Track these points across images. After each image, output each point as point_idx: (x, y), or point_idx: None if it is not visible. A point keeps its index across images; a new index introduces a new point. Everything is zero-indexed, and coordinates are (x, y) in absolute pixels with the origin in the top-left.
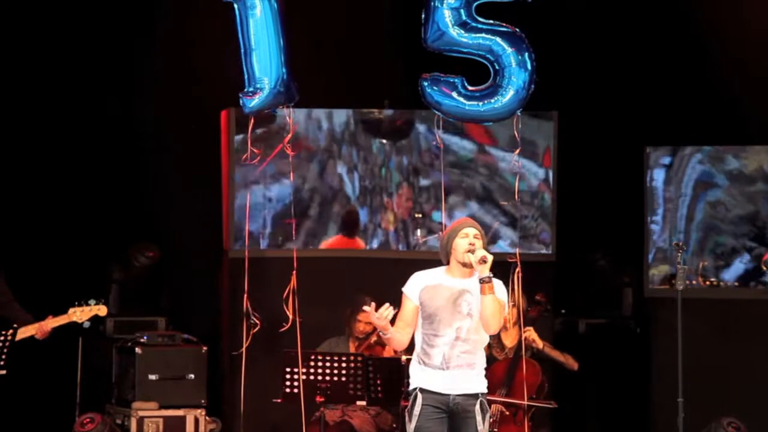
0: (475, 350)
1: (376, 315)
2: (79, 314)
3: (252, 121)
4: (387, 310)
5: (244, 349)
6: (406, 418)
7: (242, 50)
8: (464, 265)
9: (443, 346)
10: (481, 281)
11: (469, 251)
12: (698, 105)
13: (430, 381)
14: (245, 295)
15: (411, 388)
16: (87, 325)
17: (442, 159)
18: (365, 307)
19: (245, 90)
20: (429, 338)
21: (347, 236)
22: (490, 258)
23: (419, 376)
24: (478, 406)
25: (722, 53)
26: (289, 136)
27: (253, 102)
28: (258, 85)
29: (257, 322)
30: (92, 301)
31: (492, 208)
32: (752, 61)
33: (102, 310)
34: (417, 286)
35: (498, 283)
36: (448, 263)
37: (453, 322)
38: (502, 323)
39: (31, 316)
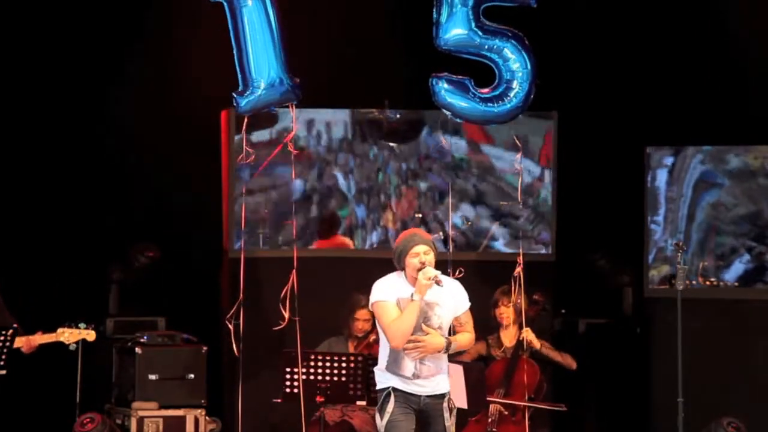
0: (442, 357)
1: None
2: (68, 335)
3: (246, 120)
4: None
5: (237, 349)
6: (377, 416)
7: (234, 49)
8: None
9: (415, 360)
10: (447, 350)
11: (419, 269)
12: (699, 105)
13: (402, 384)
14: (240, 297)
15: (382, 387)
16: (73, 347)
17: (447, 160)
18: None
19: (239, 89)
20: (400, 350)
21: (325, 238)
22: (437, 274)
23: (391, 380)
24: (445, 404)
25: (723, 53)
26: (292, 134)
27: (246, 101)
28: (253, 84)
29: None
30: (82, 325)
31: (485, 209)
32: (753, 60)
33: (90, 335)
34: (391, 293)
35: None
36: (403, 269)
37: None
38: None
39: (18, 326)
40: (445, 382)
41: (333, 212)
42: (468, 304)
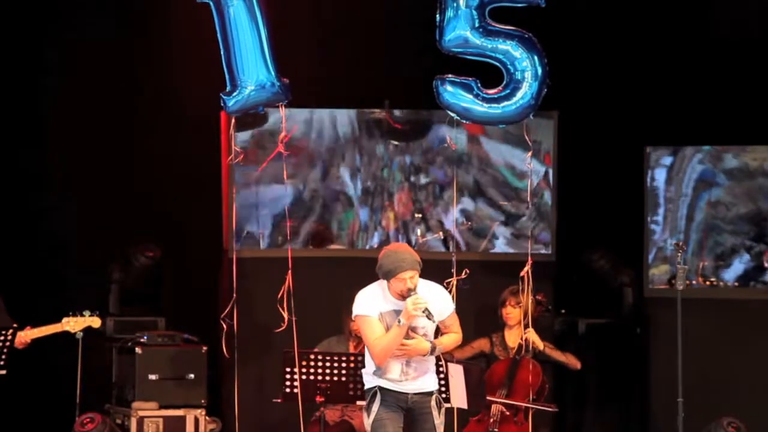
0: (428, 358)
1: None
2: (73, 324)
3: (233, 121)
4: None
5: (228, 349)
6: (364, 415)
7: (222, 49)
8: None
9: (401, 363)
10: (431, 353)
11: (406, 296)
12: (698, 105)
13: (389, 384)
14: (234, 296)
15: (369, 386)
16: (80, 335)
17: (455, 166)
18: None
19: (227, 90)
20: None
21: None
22: (427, 305)
23: (378, 381)
24: (433, 402)
25: (722, 53)
26: (283, 135)
27: (233, 102)
28: (240, 85)
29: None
30: (86, 312)
31: (486, 206)
32: (752, 60)
33: (96, 322)
34: (374, 308)
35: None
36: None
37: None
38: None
39: (16, 325)
40: (432, 380)
41: (325, 227)
42: (452, 307)
